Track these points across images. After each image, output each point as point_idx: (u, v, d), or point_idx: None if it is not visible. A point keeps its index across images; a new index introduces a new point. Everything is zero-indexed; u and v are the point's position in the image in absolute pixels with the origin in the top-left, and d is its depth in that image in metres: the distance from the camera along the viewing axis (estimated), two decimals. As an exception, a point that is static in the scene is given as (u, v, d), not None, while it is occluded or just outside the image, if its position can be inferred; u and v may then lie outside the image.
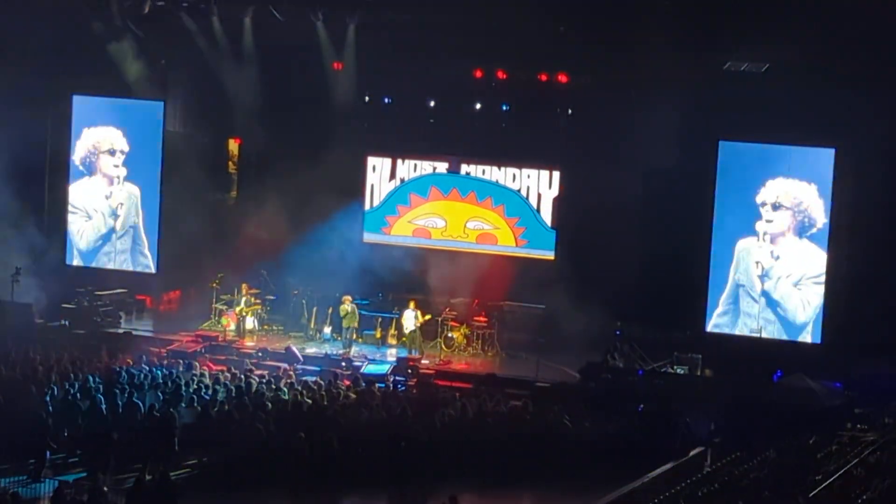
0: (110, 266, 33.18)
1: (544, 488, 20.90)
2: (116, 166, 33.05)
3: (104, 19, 31.75)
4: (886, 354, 27.03)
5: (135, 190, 33.00)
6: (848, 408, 24.95)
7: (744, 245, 28.81)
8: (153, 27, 32.28)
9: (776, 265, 28.62)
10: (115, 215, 33.16)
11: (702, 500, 17.92)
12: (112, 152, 33.04)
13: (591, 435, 22.25)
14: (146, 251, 32.96)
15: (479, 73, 31.60)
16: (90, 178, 33.27)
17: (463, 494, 17.59)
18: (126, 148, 32.94)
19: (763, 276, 28.74)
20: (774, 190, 28.50)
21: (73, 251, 33.45)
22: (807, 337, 28.49)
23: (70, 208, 33.35)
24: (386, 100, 33.19)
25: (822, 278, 28.28)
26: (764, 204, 28.55)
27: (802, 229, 28.38)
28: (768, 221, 28.57)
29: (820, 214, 28.25)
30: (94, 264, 33.32)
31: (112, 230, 33.21)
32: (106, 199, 33.14)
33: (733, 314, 28.99)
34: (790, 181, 28.43)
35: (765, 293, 28.74)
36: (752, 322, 28.76)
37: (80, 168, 33.25)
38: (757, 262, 28.72)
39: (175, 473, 20.74)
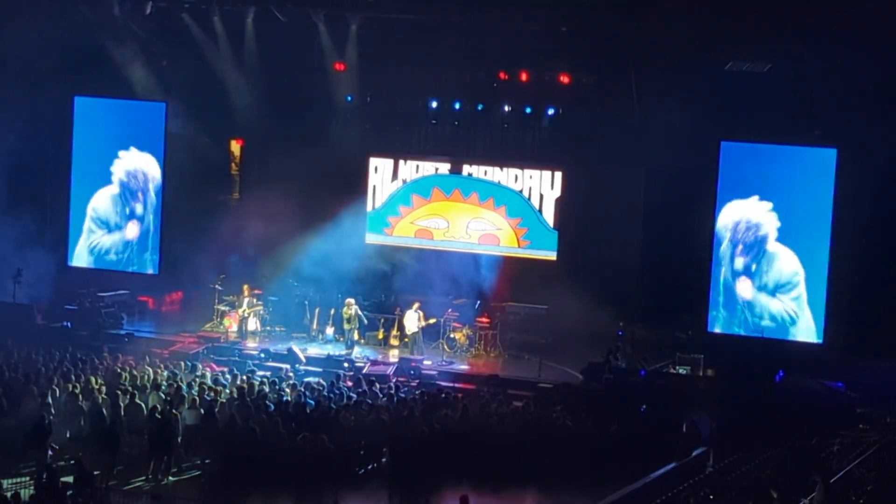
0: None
1: (547, 489, 20.85)
2: (147, 188, 33.23)
3: (106, 21, 31.76)
4: (888, 355, 27.02)
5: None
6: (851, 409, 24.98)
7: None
8: (155, 28, 32.31)
9: (757, 294, 28.93)
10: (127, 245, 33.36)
11: (704, 501, 17.92)
12: (146, 181, 33.11)
13: (593, 435, 22.21)
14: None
15: (480, 75, 31.60)
16: (118, 196, 33.40)
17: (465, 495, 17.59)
18: (158, 177, 33.01)
19: (750, 306, 28.94)
20: (728, 219, 28.83)
21: (96, 258, 33.58)
22: (802, 317, 28.56)
23: (95, 215, 33.39)
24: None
25: (793, 281, 28.40)
26: (734, 243, 28.87)
27: (765, 244, 28.66)
28: (740, 258, 28.90)
29: (772, 222, 28.43)
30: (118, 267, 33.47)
31: (123, 247, 33.44)
32: (130, 211, 33.30)
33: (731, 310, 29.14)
34: (736, 205, 28.79)
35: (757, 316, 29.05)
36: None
37: (114, 181, 33.34)
38: (743, 300, 28.95)
39: (177, 475, 20.90)
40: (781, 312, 28.61)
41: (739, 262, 28.89)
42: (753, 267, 28.78)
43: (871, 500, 16.88)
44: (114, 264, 33.48)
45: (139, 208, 33.23)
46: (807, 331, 28.53)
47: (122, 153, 33.21)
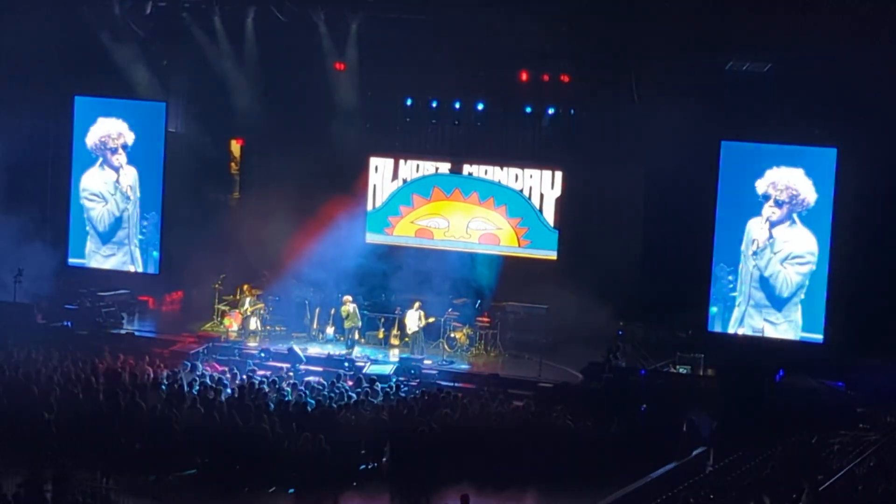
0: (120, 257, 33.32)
1: (547, 488, 20.90)
2: (122, 156, 33.09)
3: (106, 21, 31.77)
4: (888, 355, 27.02)
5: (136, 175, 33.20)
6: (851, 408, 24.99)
7: (749, 226, 28.97)
8: (155, 28, 32.32)
9: (770, 246, 28.73)
10: (126, 199, 33.19)
11: (704, 501, 17.92)
12: (125, 146, 32.99)
13: (593, 435, 22.23)
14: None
15: (481, 74, 31.59)
16: (100, 167, 33.26)
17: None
18: (131, 140, 32.93)
19: (756, 254, 28.80)
20: (768, 180, 28.61)
21: (85, 243, 33.48)
22: (794, 310, 28.53)
23: (87, 195, 33.30)
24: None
25: (806, 259, 28.41)
26: (766, 196, 28.65)
27: (794, 213, 28.53)
28: (770, 208, 28.69)
29: (810, 195, 28.29)
30: (108, 251, 33.38)
31: (122, 216, 33.30)
32: (116, 184, 33.17)
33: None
34: (781, 170, 28.52)
35: (757, 269, 28.86)
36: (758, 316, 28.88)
37: (94, 155, 33.21)
38: (754, 241, 28.79)
39: (177, 475, 20.89)
40: (778, 277, 28.57)
41: (766, 210, 28.68)
42: (775, 231, 28.63)
43: (869, 500, 16.87)
44: (124, 222, 33.22)
45: (123, 158, 32.99)
46: (791, 325, 28.53)
47: (91, 128, 33.08)
